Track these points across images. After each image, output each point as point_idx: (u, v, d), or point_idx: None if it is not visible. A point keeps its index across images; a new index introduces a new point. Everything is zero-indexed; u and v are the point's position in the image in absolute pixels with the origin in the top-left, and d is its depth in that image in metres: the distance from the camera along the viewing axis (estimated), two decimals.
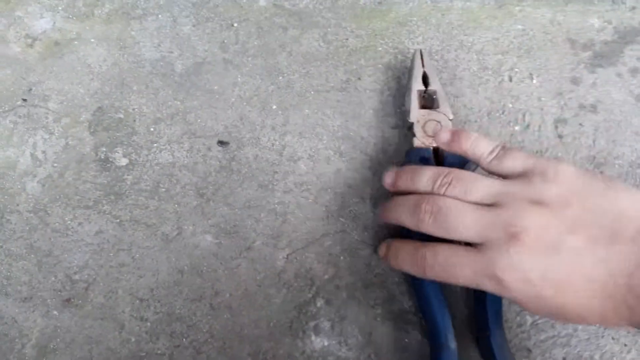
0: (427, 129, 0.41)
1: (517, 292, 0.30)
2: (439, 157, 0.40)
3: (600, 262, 0.28)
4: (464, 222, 0.31)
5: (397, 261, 0.36)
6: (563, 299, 0.29)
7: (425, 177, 0.35)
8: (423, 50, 0.43)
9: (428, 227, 0.33)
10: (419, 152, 0.40)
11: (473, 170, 0.36)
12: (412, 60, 0.43)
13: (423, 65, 0.43)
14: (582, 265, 0.29)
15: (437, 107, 0.42)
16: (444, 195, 0.33)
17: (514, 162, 0.34)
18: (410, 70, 0.44)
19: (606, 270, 0.28)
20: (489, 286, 0.31)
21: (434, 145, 0.40)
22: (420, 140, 0.40)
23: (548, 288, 0.29)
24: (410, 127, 0.41)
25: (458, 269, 0.31)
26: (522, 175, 0.33)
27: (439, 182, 0.34)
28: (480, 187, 0.33)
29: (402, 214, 0.35)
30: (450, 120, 0.41)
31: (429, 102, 0.43)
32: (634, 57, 0.49)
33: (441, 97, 0.42)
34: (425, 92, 0.42)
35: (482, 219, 0.31)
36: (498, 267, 0.30)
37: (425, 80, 0.43)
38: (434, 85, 0.42)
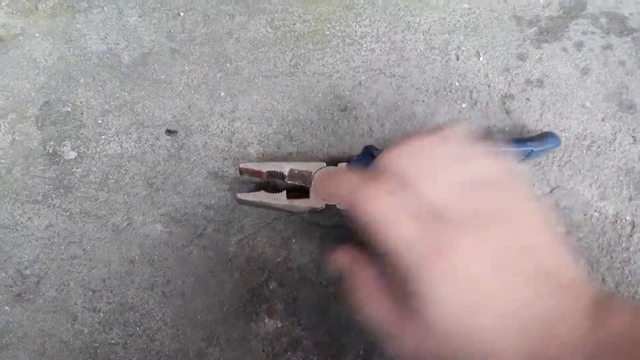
0: None
1: (442, 278, 0.26)
2: None
3: (532, 300, 0.26)
4: (438, 184, 0.28)
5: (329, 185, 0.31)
6: (478, 318, 0.26)
7: None
8: None
9: (403, 167, 0.29)
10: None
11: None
12: None
13: None
14: (515, 295, 0.26)
15: None
16: None
17: None
18: None
19: (535, 311, 0.25)
20: (416, 255, 0.26)
21: None
22: None
23: (472, 294, 0.26)
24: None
25: (403, 221, 0.27)
26: None
27: None
28: None
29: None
30: None
31: None
32: (579, 31, 0.50)
33: None
34: None
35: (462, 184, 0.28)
36: (446, 240, 0.26)
37: None
38: None
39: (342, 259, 0.31)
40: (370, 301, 0.29)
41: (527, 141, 0.42)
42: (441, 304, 0.26)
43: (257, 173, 0.40)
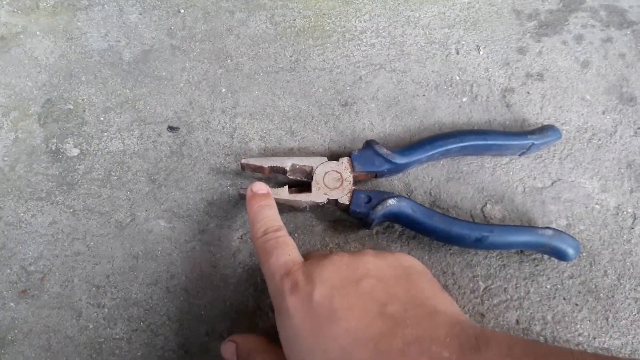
0: None
1: (293, 299, 0.28)
2: None
3: (388, 316, 0.26)
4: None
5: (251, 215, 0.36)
6: (330, 330, 0.26)
7: None
8: None
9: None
10: None
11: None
12: None
13: None
14: (367, 309, 0.27)
15: None
16: None
17: None
18: None
19: (388, 327, 0.26)
20: (278, 282, 0.30)
21: None
22: None
23: (323, 309, 0.27)
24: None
25: (278, 254, 0.32)
26: None
27: None
28: None
29: None
30: None
31: None
32: (579, 24, 0.50)
33: None
34: None
35: None
36: (303, 268, 0.30)
37: None
38: None
39: (228, 342, 0.35)
40: (258, 356, 0.33)
41: (528, 134, 0.42)
42: (291, 318, 0.28)
43: (259, 168, 0.40)
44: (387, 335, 0.25)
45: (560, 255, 0.38)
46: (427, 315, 0.26)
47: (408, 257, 0.32)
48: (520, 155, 0.44)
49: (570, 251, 0.38)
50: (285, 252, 0.32)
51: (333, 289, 0.28)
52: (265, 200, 0.36)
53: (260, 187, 0.37)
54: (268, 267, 0.32)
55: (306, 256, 0.33)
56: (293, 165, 0.40)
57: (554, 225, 0.42)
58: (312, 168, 0.40)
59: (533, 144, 0.42)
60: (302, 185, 0.40)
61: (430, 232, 0.38)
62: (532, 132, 0.42)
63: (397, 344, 0.25)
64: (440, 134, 0.42)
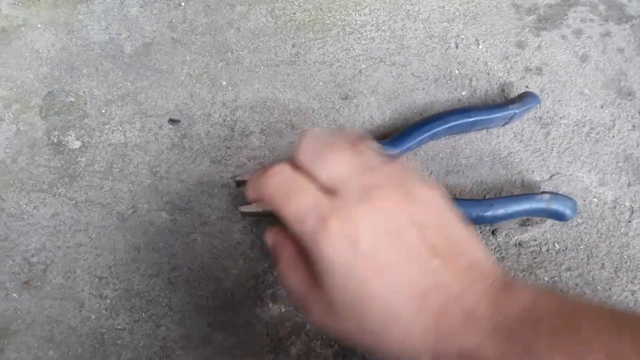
0: None
1: (333, 248, 0.26)
2: None
3: (431, 270, 0.26)
4: (340, 156, 0.29)
5: (250, 182, 0.32)
6: (377, 285, 0.26)
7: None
8: None
9: (302, 155, 0.30)
10: None
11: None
12: None
13: None
14: (412, 264, 0.26)
15: None
16: None
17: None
18: None
19: (432, 282, 0.26)
20: (310, 226, 0.27)
21: None
22: None
23: (368, 262, 0.26)
24: None
25: (297, 196, 0.28)
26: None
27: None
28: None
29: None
30: None
31: None
32: (578, 18, 0.50)
33: None
34: None
35: (355, 165, 0.29)
36: (337, 212, 0.26)
37: None
38: None
39: (268, 237, 0.33)
40: (287, 273, 0.30)
41: (509, 104, 0.43)
42: (333, 272, 0.26)
43: None
44: (430, 292, 0.26)
45: (559, 217, 0.40)
46: (465, 269, 0.26)
47: (437, 193, 0.30)
48: (503, 125, 0.45)
49: (568, 212, 0.40)
50: (309, 191, 0.28)
51: (377, 241, 0.26)
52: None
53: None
54: (292, 212, 0.28)
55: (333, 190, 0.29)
56: None
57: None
58: None
59: (515, 113, 0.43)
60: None
61: None
62: (513, 102, 0.43)
63: (438, 300, 0.25)
64: (425, 118, 0.43)
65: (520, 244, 0.41)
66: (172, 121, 0.44)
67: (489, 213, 0.39)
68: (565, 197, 0.40)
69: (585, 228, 0.43)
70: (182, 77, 0.45)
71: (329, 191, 0.28)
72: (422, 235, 0.27)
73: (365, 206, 0.27)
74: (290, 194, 0.28)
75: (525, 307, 0.24)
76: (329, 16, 0.48)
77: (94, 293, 0.40)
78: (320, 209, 0.27)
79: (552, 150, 0.45)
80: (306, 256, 0.29)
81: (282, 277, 0.31)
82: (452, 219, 0.29)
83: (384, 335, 0.26)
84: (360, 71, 0.47)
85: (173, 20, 0.47)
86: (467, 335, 0.24)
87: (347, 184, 0.28)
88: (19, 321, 0.39)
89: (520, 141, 0.46)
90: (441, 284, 0.26)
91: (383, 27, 0.48)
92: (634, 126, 0.46)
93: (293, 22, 0.48)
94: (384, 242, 0.26)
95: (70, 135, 0.44)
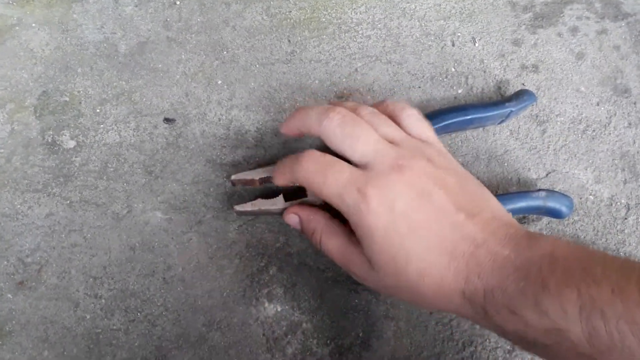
0: None
1: (373, 215, 0.30)
2: None
3: (458, 224, 0.30)
4: (367, 136, 0.33)
5: (280, 169, 0.36)
6: (412, 242, 0.30)
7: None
8: None
9: (333, 128, 0.33)
10: None
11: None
12: None
13: None
14: (441, 220, 0.30)
15: None
16: None
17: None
18: None
19: (460, 234, 0.29)
20: (350, 199, 0.31)
21: None
22: None
23: (404, 223, 0.30)
24: None
25: (333, 174, 0.32)
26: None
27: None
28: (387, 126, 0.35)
29: (308, 118, 0.34)
30: None
31: None
32: (574, 16, 0.50)
33: None
34: None
35: (381, 143, 0.33)
36: (373, 183, 0.30)
37: None
38: None
39: (290, 218, 0.37)
40: (327, 241, 0.35)
41: (505, 102, 0.43)
42: (373, 236, 0.30)
43: (250, 182, 0.40)
44: (458, 243, 0.29)
45: (556, 214, 0.41)
46: (487, 221, 0.30)
47: (453, 158, 0.35)
48: (499, 123, 0.45)
49: (564, 209, 0.40)
50: (343, 168, 0.32)
51: (411, 204, 0.30)
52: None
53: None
54: (331, 188, 0.32)
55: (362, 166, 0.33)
56: None
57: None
58: None
59: (511, 111, 0.42)
60: (297, 190, 0.40)
61: None
62: (509, 99, 0.43)
63: (467, 250, 0.29)
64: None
65: None
66: (167, 120, 0.44)
67: None
68: (562, 195, 0.40)
69: (582, 225, 0.43)
70: (177, 76, 0.45)
71: (361, 166, 0.32)
72: (447, 194, 0.31)
73: (396, 175, 0.31)
74: (327, 174, 0.32)
75: (544, 253, 0.27)
76: (325, 14, 0.48)
77: (89, 293, 0.40)
78: (357, 182, 0.31)
79: (549, 147, 0.45)
80: (339, 224, 0.35)
81: (322, 244, 0.35)
82: (471, 179, 0.34)
83: (420, 287, 0.30)
84: (356, 69, 0.47)
85: (168, 19, 0.47)
86: (493, 275, 0.28)
87: (377, 158, 0.32)
88: (13, 322, 0.39)
89: (517, 139, 0.45)
90: (467, 235, 0.29)
91: (379, 25, 0.48)
92: (630, 123, 0.46)
93: (288, 20, 0.48)
94: (417, 204, 0.30)
95: (65, 135, 0.43)
